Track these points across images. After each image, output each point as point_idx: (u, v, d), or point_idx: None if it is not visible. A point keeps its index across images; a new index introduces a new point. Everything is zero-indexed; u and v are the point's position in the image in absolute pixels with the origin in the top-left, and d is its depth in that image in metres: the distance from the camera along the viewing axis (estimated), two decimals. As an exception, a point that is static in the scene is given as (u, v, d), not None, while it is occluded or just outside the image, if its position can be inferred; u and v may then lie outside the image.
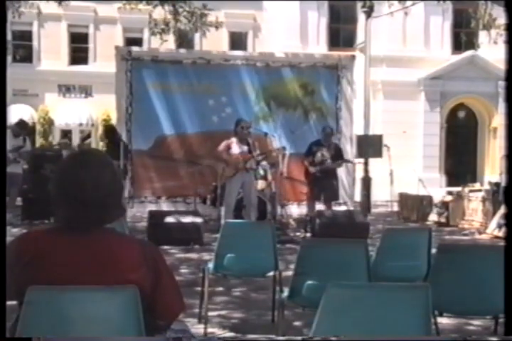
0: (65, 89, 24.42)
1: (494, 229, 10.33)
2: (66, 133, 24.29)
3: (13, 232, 7.96)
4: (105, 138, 10.33)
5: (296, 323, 4.77)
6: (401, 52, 21.78)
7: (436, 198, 12.77)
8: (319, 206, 10.50)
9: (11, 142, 10.25)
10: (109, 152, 9.35)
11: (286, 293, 4.05)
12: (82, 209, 2.13)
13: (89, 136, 24.30)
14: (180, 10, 12.67)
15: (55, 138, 24.01)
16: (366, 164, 14.87)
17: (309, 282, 3.88)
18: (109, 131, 10.46)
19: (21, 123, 11.30)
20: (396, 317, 2.52)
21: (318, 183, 10.16)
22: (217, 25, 13.25)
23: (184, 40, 19.30)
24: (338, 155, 10.45)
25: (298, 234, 9.79)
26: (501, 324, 4.04)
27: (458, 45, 22.11)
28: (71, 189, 2.14)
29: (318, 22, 22.89)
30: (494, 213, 10.72)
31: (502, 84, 18.44)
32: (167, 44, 14.09)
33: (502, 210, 10.10)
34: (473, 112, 23.31)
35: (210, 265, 4.90)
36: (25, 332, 2.08)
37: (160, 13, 13.25)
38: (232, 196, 9.53)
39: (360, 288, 2.69)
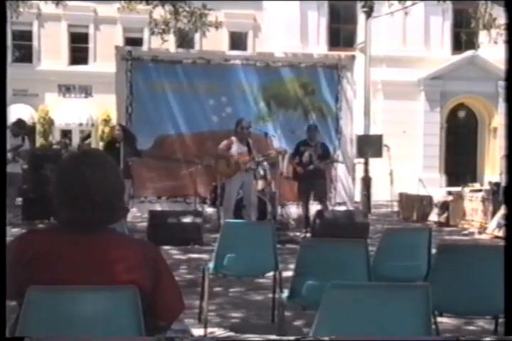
0: (65, 89, 24.42)
1: (494, 229, 10.33)
2: (66, 133, 24.30)
3: (13, 232, 7.95)
4: (117, 136, 10.11)
5: (296, 323, 4.77)
6: (401, 52, 21.79)
7: (436, 198, 12.77)
8: (319, 206, 10.49)
9: (9, 142, 10.25)
10: (113, 152, 9.29)
11: (286, 293, 4.05)
12: (89, 210, 2.13)
13: (89, 136, 24.33)
14: (180, 10, 12.65)
15: (55, 138, 24.00)
16: (366, 164, 14.87)
17: (309, 282, 3.88)
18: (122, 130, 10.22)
19: (20, 123, 11.29)
20: (396, 317, 2.52)
21: (306, 183, 10.03)
22: (217, 25, 13.22)
23: (184, 40, 19.31)
24: (326, 155, 10.32)
25: (298, 234, 9.78)
26: (501, 324, 4.04)
27: (458, 45, 22.12)
28: (77, 189, 2.13)
29: (318, 22, 22.89)
30: (494, 213, 10.72)
31: (502, 84, 18.44)
32: (167, 44, 14.08)
33: (502, 210, 10.11)
34: (473, 112, 23.32)
35: (210, 265, 4.91)
36: (25, 332, 2.08)
37: (160, 13, 13.24)
38: (232, 196, 9.53)
39: (360, 288, 2.68)
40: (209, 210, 10.67)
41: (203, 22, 12.85)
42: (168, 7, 12.68)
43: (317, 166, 10.04)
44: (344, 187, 11.78)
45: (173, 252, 8.11)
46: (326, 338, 2.45)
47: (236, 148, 9.49)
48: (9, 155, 10.06)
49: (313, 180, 9.97)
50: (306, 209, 10.19)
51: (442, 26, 22.75)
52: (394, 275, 4.30)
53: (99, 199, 2.13)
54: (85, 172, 2.15)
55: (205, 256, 7.37)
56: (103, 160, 2.25)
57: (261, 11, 24.30)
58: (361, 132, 14.78)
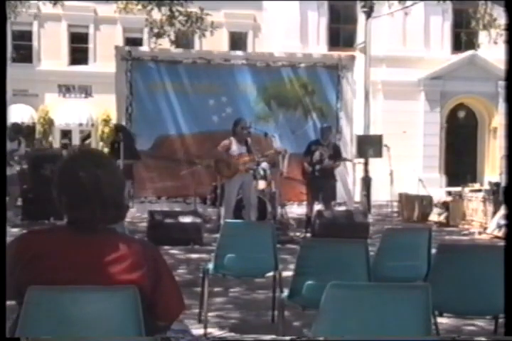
0: (65, 89, 24.42)
1: (494, 229, 10.33)
2: (66, 133, 24.31)
3: (13, 232, 7.96)
4: (116, 137, 10.27)
5: (296, 323, 4.77)
6: (401, 52, 21.78)
7: (436, 198, 12.77)
8: (319, 206, 10.50)
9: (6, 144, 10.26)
10: (114, 152, 9.31)
11: (286, 293, 4.05)
12: (97, 209, 2.13)
13: (89, 136, 24.33)
14: (177, 13, 12.62)
15: (55, 138, 24.02)
16: (366, 164, 14.87)
17: (309, 282, 3.88)
18: (120, 130, 10.38)
19: (15, 127, 11.30)
20: (396, 317, 2.52)
21: (316, 183, 10.12)
22: (213, 29, 13.19)
23: (183, 40, 19.28)
24: (337, 155, 10.40)
25: (298, 234, 9.78)
26: (501, 324, 4.04)
27: (458, 45, 22.12)
28: (83, 189, 2.13)
29: (318, 22, 22.88)
30: (494, 213, 10.72)
31: (502, 84, 18.44)
32: (167, 44, 14.08)
33: (502, 210, 10.11)
34: (473, 112, 23.31)
35: (210, 265, 4.91)
36: (25, 332, 2.08)
37: (159, 14, 13.22)
38: (232, 196, 9.53)
39: (360, 288, 2.68)
40: (209, 210, 10.66)
41: (199, 26, 12.83)
42: (164, 10, 12.66)
43: (327, 166, 10.11)
44: (344, 187, 11.78)
45: (173, 252, 8.11)
46: (321, 338, 2.46)
47: (236, 148, 9.48)
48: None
49: (323, 179, 10.07)
50: (311, 209, 10.24)
51: (442, 26, 22.74)
52: (394, 275, 4.30)
53: (106, 199, 2.14)
54: (91, 171, 2.15)
55: (205, 256, 7.37)
56: (105, 160, 2.26)
57: (261, 11, 24.29)
58: (361, 132, 14.79)
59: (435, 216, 12.22)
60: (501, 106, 19.97)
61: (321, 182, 10.10)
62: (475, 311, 3.87)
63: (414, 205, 12.67)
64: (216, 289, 5.76)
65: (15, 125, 11.50)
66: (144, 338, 2.16)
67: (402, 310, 2.52)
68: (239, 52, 14.82)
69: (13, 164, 10.57)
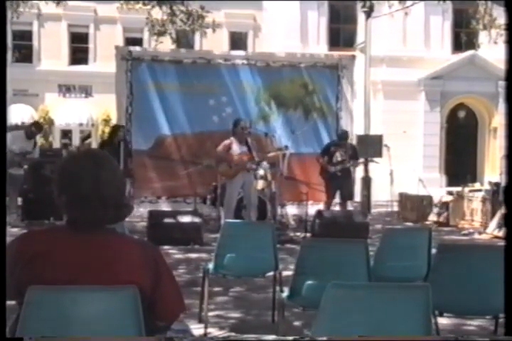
0: (65, 89, 24.41)
1: (494, 229, 10.33)
2: (66, 133, 24.30)
3: (13, 232, 7.95)
4: (109, 138, 10.37)
5: (296, 323, 4.77)
6: (401, 52, 21.79)
7: (436, 198, 12.77)
8: (319, 206, 10.59)
9: (21, 143, 10.10)
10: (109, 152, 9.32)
11: (286, 293, 4.05)
12: (98, 209, 2.13)
13: (89, 136, 24.31)
14: (178, 12, 12.64)
15: (55, 138, 24.01)
16: (366, 164, 14.86)
17: (309, 282, 3.88)
18: (114, 131, 10.43)
19: (37, 125, 11.18)
20: (396, 317, 2.52)
21: (336, 183, 10.43)
22: (214, 28, 13.17)
23: (184, 40, 19.31)
24: (354, 155, 10.75)
25: (298, 234, 9.78)
26: (501, 324, 4.04)
27: (458, 45, 22.13)
28: (85, 189, 2.13)
29: (318, 22, 22.90)
30: (494, 213, 10.72)
31: (502, 84, 18.44)
32: (167, 44, 14.08)
33: (502, 210, 10.10)
34: (473, 112, 23.32)
35: (210, 265, 4.91)
36: (25, 332, 2.08)
37: (159, 13, 13.23)
38: (233, 196, 9.53)
39: (360, 288, 2.68)
40: (209, 210, 10.66)
41: (200, 24, 12.85)
42: (165, 8, 12.69)
43: (351, 166, 10.60)
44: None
45: (173, 252, 8.11)
46: (324, 338, 2.46)
47: (236, 148, 9.48)
48: (16, 159, 9.86)
49: (343, 179, 10.43)
50: (329, 207, 10.44)
51: (442, 26, 22.75)
52: (394, 275, 4.30)
53: (106, 199, 2.14)
54: (91, 171, 2.15)
55: (205, 256, 7.37)
56: (105, 160, 2.26)
57: (261, 11, 24.29)
58: (361, 132, 14.78)
59: (435, 216, 12.22)
60: (501, 106, 19.97)
61: (340, 182, 10.44)
62: (475, 311, 3.88)
63: (414, 205, 12.68)
64: (216, 289, 5.76)
65: (37, 123, 11.32)
66: (144, 338, 2.16)
67: (402, 310, 2.52)
68: (239, 52, 14.80)
69: (24, 166, 10.34)
